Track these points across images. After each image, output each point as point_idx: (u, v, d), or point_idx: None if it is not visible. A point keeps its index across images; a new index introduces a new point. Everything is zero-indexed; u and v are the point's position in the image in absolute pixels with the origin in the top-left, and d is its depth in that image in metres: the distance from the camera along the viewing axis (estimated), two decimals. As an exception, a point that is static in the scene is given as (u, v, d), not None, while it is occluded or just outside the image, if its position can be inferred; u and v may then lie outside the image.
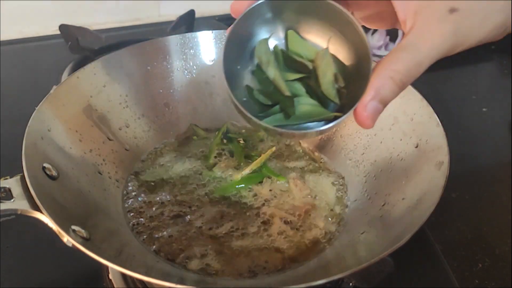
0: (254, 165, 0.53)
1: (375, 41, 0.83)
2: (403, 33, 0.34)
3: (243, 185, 0.53)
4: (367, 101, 0.32)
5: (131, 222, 0.49)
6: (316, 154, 0.58)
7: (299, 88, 0.37)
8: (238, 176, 0.53)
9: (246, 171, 0.53)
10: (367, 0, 0.37)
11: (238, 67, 0.37)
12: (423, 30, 0.32)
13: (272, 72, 0.36)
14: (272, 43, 0.37)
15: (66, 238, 0.36)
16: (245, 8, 0.34)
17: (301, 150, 0.59)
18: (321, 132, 0.35)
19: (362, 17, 0.39)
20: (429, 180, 0.43)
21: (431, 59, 0.32)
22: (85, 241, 0.38)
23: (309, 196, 0.53)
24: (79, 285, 0.49)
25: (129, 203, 0.51)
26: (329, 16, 0.35)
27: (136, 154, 0.56)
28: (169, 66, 0.59)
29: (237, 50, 0.36)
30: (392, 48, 0.33)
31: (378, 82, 0.32)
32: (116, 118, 0.55)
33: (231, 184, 0.53)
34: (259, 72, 0.37)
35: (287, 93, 0.36)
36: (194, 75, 0.61)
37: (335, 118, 0.34)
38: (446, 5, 0.32)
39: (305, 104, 0.36)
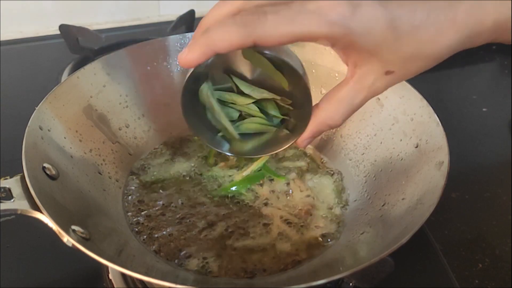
0: (254, 166, 0.53)
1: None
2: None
3: (243, 185, 0.52)
4: (305, 138, 0.41)
5: (131, 222, 0.49)
6: (316, 154, 0.58)
7: (253, 108, 0.43)
8: (238, 177, 0.53)
9: (247, 172, 0.53)
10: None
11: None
12: (359, 87, 0.36)
13: (218, 113, 0.42)
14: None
15: (66, 238, 0.36)
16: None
17: (301, 150, 0.59)
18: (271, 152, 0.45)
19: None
20: (429, 180, 0.43)
21: (361, 106, 0.38)
22: (85, 241, 0.38)
23: (309, 196, 0.53)
24: (79, 285, 0.49)
25: (129, 203, 0.51)
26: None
27: (136, 154, 0.56)
28: (169, 66, 0.59)
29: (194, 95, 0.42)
30: (329, 93, 0.38)
31: (316, 128, 0.40)
32: (116, 118, 0.55)
33: (231, 184, 0.53)
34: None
35: (235, 135, 0.44)
36: (194, 75, 0.61)
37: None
38: (383, 68, 0.35)
39: (254, 122, 0.43)
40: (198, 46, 0.33)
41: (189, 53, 0.34)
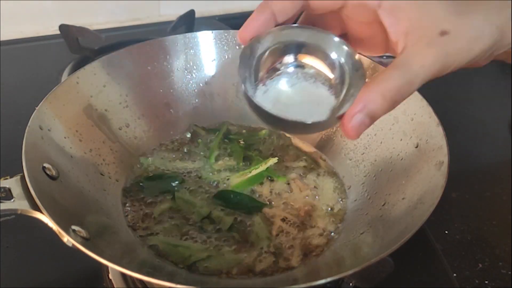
0: (253, 171, 0.53)
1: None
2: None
3: (244, 186, 0.53)
4: (354, 112, 0.32)
5: (131, 222, 0.49)
6: (316, 154, 0.58)
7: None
8: (237, 180, 0.53)
9: (247, 176, 0.53)
10: (360, 22, 0.37)
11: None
12: (414, 51, 0.32)
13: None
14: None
15: (66, 238, 0.36)
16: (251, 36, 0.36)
17: (300, 150, 0.59)
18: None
19: (356, 43, 0.40)
20: (429, 180, 0.43)
21: (422, 79, 0.32)
22: (85, 241, 0.38)
23: (309, 196, 0.53)
24: (79, 285, 0.49)
25: (129, 203, 0.51)
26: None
27: (136, 154, 0.56)
28: (169, 66, 0.59)
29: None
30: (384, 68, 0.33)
31: (368, 96, 0.32)
32: (116, 118, 0.55)
33: (231, 188, 0.53)
34: None
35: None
36: (194, 75, 0.61)
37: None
38: (437, 27, 0.32)
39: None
40: (256, 11, 0.35)
41: (249, 21, 0.35)
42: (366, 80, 0.35)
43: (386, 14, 0.34)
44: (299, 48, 0.38)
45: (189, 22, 0.86)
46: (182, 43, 0.60)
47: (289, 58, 0.39)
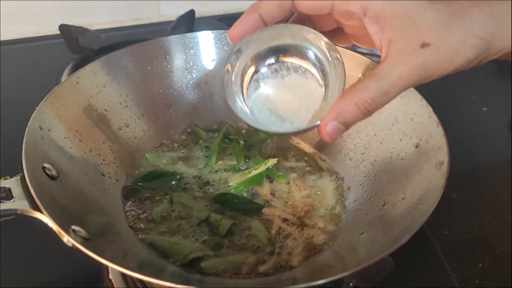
0: (253, 172, 0.53)
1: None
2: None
3: (244, 187, 0.53)
4: (328, 120, 0.35)
5: (131, 222, 0.49)
6: (316, 154, 0.58)
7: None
8: (237, 181, 0.53)
9: (247, 176, 0.53)
10: (354, 25, 0.38)
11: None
12: (394, 62, 0.33)
13: None
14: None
15: (66, 238, 0.36)
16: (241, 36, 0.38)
17: (301, 150, 0.59)
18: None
19: (351, 37, 0.41)
20: (429, 180, 0.43)
21: (398, 90, 0.34)
22: (85, 241, 0.38)
23: (309, 196, 0.53)
24: (79, 285, 0.49)
25: (129, 203, 0.51)
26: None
27: (136, 154, 0.56)
28: (169, 66, 0.59)
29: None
30: (365, 75, 0.36)
31: (343, 105, 0.34)
32: (116, 118, 0.55)
33: (230, 189, 0.53)
34: None
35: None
36: (194, 75, 0.61)
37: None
38: (419, 39, 0.33)
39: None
40: (245, 13, 0.37)
41: (238, 23, 0.37)
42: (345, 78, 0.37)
43: (370, 22, 0.34)
44: (282, 50, 0.40)
45: (189, 22, 0.86)
46: (182, 43, 0.60)
47: (271, 60, 0.40)
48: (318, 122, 0.36)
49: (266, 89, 0.41)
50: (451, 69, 0.34)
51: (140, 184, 0.53)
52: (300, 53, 0.40)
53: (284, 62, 0.40)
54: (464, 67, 0.34)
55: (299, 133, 0.41)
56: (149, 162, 0.56)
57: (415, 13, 0.32)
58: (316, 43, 0.39)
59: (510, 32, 0.33)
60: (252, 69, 0.41)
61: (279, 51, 0.40)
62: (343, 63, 0.38)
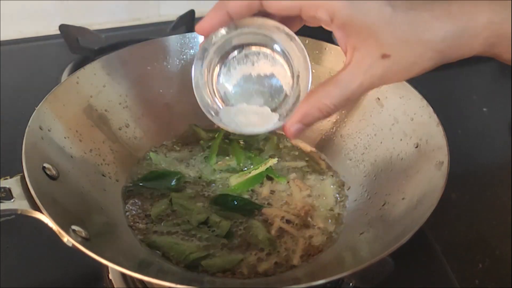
0: (253, 172, 0.53)
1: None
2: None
3: (244, 187, 0.53)
4: (293, 122, 0.39)
5: (131, 222, 0.49)
6: (316, 154, 0.58)
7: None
8: (237, 181, 0.53)
9: (247, 176, 0.53)
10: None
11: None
12: (356, 70, 0.36)
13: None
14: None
15: (66, 238, 0.36)
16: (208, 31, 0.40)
17: (301, 150, 0.59)
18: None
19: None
20: (429, 180, 0.43)
21: (358, 97, 0.37)
22: (85, 241, 0.38)
23: (309, 196, 0.53)
24: (79, 285, 0.49)
25: (129, 203, 0.51)
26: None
27: (136, 154, 0.56)
28: (169, 66, 0.59)
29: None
30: (327, 79, 0.37)
31: (306, 109, 0.38)
32: (116, 118, 0.55)
33: (230, 189, 0.53)
34: None
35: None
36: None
37: None
38: (381, 50, 0.35)
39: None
40: (213, 9, 0.38)
41: (206, 18, 0.38)
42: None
43: (336, 28, 0.36)
44: (248, 44, 0.42)
45: (189, 22, 0.85)
46: (182, 43, 0.60)
47: (239, 51, 0.42)
48: (282, 122, 0.41)
49: (236, 75, 0.43)
50: (408, 77, 0.37)
51: (141, 184, 0.53)
52: (267, 45, 0.41)
53: (253, 50, 0.42)
54: (421, 73, 0.36)
55: (267, 131, 0.43)
56: (153, 161, 0.56)
57: (378, 26, 0.34)
58: (280, 34, 0.40)
59: (468, 45, 0.35)
60: (219, 64, 0.43)
61: (246, 44, 0.42)
62: (306, 53, 0.40)
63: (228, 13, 0.38)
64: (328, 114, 0.37)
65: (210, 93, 0.44)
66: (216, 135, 0.59)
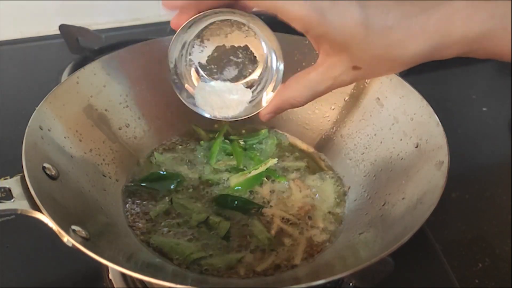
0: (253, 172, 0.53)
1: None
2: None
3: (244, 187, 0.53)
4: (267, 112, 0.44)
5: (131, 222, 0.49)
6: (316, 154, 0.58)
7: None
8: (237, 181, 0.53)
9: (247, 176, 0.53)
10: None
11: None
12: (326, 75, 0.39)
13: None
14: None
15: (66, 238, 0.36)
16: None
17: (300, 150, 0.59)
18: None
19: None
20: (429, 180, 0.43)
21: (324, 94, 0.40)
22: (85, 241, 0.38)
23: (309, 196, 0.53)
24: (79, 285, 0.49)
25: (129, 203, 0.51)
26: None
27: (136, 154, 0.56)
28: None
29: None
30: (299, 74, 0.41)
31: (279, 103, 0.43)
32: (116, 118, 0.55)
33: (230, 189, 0.53)
34: None
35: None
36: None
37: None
38: (352, 62, 0.37)
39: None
40: (185, 5, 0.40)
41: (177, 14, 0.41)
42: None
43: (311, 37, 0.38)
44: (222, 19, 0.43)
45: (189, 22, 0.85)
46: (182, 43, 0.59)
47: (210, 26, 0.44)
48: (257, 110, 0.45)
49: (210, 46, 0.45)
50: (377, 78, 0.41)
51: (142, 184, 0.53)
52: (238, 21, 0.43)
53: (226, 20, 0.43)
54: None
55: (241, 117, 0.46)
56: (155, 161, 0.56)
57: (352, 44, 0.35)
58: (249, 17, 0.41)
59: (439, 56, 0.36)
60: (193, 39, 0.44)
61: (219, 20, 0.43)
62: (273, 35, 0.42)
63: (198, 8, 0.40)
64: (298, 106, 0.42)
65: (186, 68, 0.46)
66: (216, 135, 0.59)
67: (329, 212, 0.51)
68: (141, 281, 0.47)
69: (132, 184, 0.53)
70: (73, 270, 0.50)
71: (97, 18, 0.90)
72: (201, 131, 0.60)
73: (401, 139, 0.51)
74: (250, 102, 0.47)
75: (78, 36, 0.78)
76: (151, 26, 0.93)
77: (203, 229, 0.48)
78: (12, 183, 0.39)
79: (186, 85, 0.47)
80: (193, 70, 0.46)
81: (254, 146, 0.59)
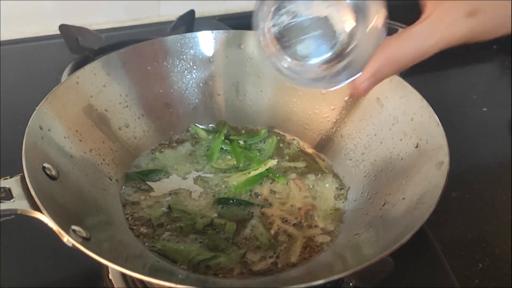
0: (253, 172, 0.53)
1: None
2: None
3: (244, 187, 0.53)
4: (365, 78, 0.36)
5: (131, 222, 0.49)
6: (316, 154, 0.58)
7: None
8: (237, 181, 0.53)
9: (247, 176, 0.53)
10: None
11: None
12: (436, 25, 0.33)
13: None
14: None
15: (66, 238, 0.36)
16: None
17: (300, 150, 0.59)
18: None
19: None
20: (429, 180, 0.43)
21: (435, 51, 0.33)
22: (85, 241, 0.38)
23: (309, 196, 0.53)
24: (79, 285, 0.49)
25: (129, 203, 0.51)
26: None
27: (136, 154, 0.56)
28: (169, 66, 0.59)
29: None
30: (401, 31, 0.34)
31: (379, 65, 0.35)
32: (116, 118, 0.55)
33: (230, 189, 0.53)
34: None
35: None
36: (194, 75, 0.61)
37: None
38: (468, 6, 0.32)
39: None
40: None
41: None
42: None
43: None
44: None
45: (189, 22, 0.86)
46: (182, 43, 0.59)
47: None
48: (353, 77, 0.37)
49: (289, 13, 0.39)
50: (491, 37, 0.33)
51: (139, 181, 0.53)
52: None
53: None
54: (500, 36, 0.33)
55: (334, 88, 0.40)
56: (159, 161, 0.56)
57: None
58: None
59: None
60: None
61: None
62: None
63: None
64: (400, 69, 0.35)
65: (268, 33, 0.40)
66: (216, 135, 0.59)
67: (329, 212, 0.51)
68: (141, 281, 0.47)
69: (132, 184, 0.53)
70: (73, 270, 0.50)
71: (97, 18, 0.91)
72: (201, 131, 0.60)
73: (401, 139, 0.51)
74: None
75: (78, 36, 0.78)
76: (151, 26, 0.93)
77: (209, 231, 0.48)
78: (12, 183, 0.39)
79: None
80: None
81: (254, 146, 0.59)
